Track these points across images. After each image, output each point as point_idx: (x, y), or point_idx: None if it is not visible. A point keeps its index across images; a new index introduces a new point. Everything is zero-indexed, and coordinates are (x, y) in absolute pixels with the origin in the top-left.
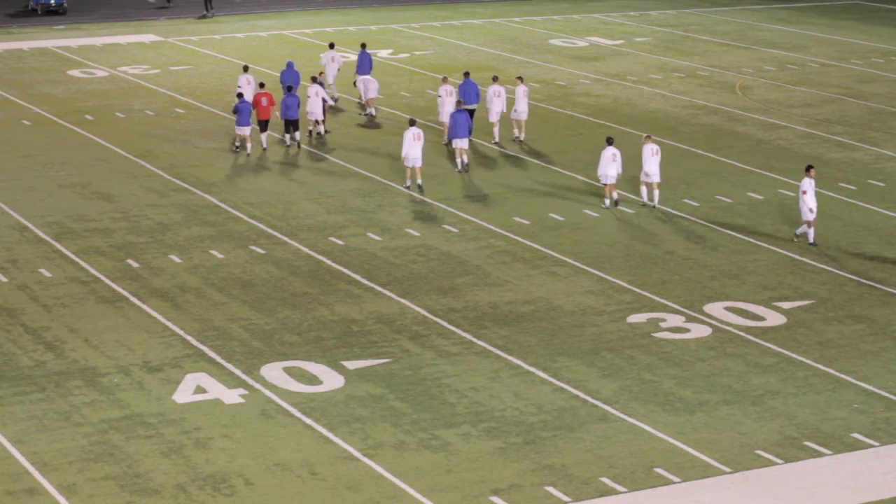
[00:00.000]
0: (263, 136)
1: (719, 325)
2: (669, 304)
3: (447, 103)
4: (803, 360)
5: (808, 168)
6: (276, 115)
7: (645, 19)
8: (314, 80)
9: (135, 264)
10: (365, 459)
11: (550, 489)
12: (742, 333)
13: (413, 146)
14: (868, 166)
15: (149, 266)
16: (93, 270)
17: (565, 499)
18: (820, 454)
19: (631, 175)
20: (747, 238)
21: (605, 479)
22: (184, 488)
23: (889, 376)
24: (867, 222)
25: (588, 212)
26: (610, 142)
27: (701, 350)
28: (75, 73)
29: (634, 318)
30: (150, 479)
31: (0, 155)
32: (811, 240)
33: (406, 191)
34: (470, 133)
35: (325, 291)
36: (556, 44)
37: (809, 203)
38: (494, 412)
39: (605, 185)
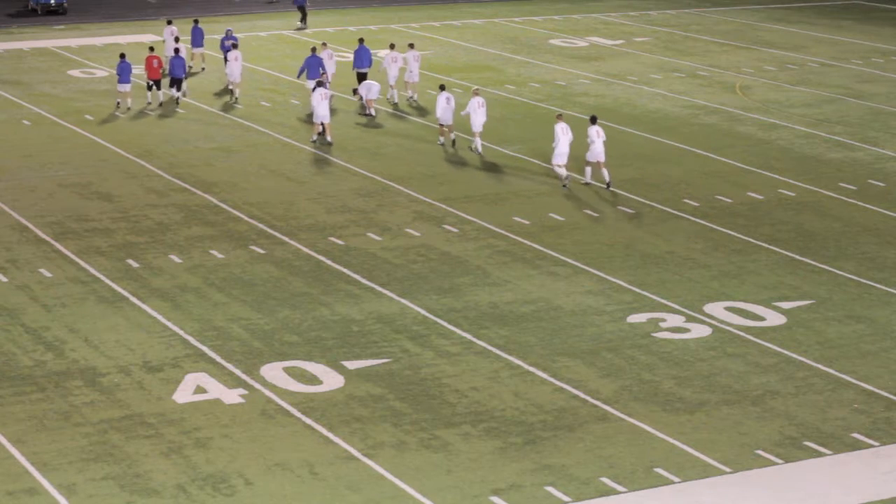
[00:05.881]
0: (149, 94)
1: (719, 325)
2: (669, 304)
3: (330, 65)
4: (803, 360)
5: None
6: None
7: (645, 19)
8: (235, 46)
9: (135, 264)
10: (365, 459)
11: (550, 489)
12: (742, 333)
13: (321, 104)
14: (868, 166)
15: (149, 266)
16: (93, 270)
17: (565, 499)
18: (820, 454)
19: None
20: (747, 238)
21: (605, 479)
22: (184, 488)
23: (889, 376)
24: (867, 222)
25: (588, 212)
26: (443, 88)
27: (701, 350)
28: (75, 73)
29: (634, 318)
30: (150, 479)
31: (0, 155)
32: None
33: (313, 144)
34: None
35: (325, 291)
36: (556, 44)
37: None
38: (494, 412)
39: (441, 125)
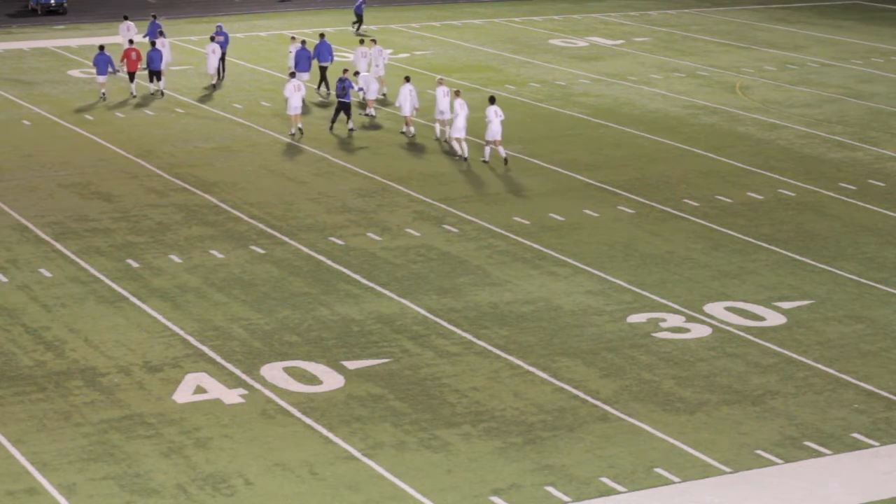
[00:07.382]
0: (133, 86)
1: (719, 325)
2: (669, 304)
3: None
4: (803, 360)
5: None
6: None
7: (645, 19)
8: (213, 39)
9: (135, 264)
10: (365, 459)
11: (550, 489)
12: (742, 333)
13: (294, 96)
14: (868, 166)
15: (149, 266)
16: (93, 270)
17: (565, 499)
18: (820, 454)
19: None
20: (747, 238)
21: (605, 479)
22: (184, 488)
23: (889, 376)
24: (867, 222)
25: (588, 212)
26: (407, 79)
27: (701, 350)
28: (75, 73)
29: (634, 318)
30: (150, 479)
31: (0, 155)
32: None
33: (290, 138)
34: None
35: (325, 291)
36: (556, 44)
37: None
38: (494, 412)
39: (404, 116)
